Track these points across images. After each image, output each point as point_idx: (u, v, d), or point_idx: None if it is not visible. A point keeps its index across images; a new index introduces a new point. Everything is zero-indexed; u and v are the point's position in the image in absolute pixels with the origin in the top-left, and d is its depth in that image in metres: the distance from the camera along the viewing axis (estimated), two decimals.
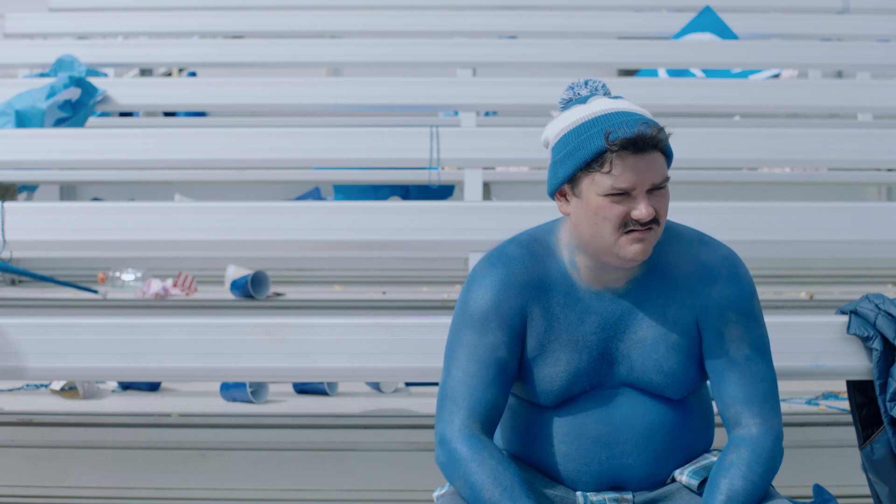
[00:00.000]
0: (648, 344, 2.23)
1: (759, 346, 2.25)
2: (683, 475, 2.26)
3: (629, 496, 2.26)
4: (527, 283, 2.24)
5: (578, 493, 2.26)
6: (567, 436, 2.25)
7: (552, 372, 2.23)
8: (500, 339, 2.22)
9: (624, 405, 2.24)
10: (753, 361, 2.24)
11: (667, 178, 2.16)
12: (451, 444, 2.17)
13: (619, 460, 2.24)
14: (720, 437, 2.30)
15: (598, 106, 2.19)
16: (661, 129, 2.13)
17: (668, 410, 2.25)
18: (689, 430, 2.28)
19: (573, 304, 2.24)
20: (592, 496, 2.25)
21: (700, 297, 2.24)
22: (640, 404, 2.24)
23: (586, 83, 2.25)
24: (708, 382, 2.32)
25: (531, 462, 2.30)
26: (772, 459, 2.20)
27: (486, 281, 2.24)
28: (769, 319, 2.31)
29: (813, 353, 2.66)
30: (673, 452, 2.26)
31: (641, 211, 2.13)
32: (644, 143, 2.11)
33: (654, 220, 2.15)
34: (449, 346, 2.25)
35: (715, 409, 2.34)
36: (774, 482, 2.23)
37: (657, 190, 2.15)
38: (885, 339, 2.63)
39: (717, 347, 2.24)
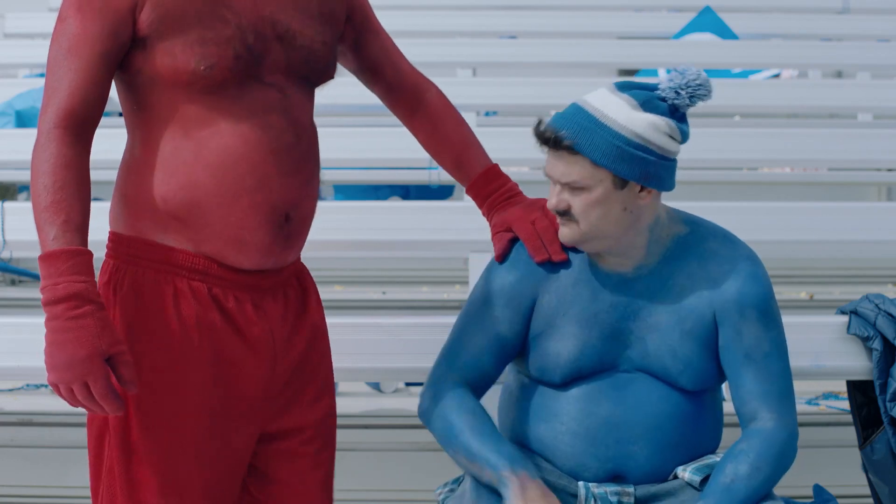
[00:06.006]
0: (663, 329, 2.25)
1: (778, 346, 2.27)
2: (686, 472, 2.26)
3: (631, 489, 2.26)
4: (545, 263, 2.30)
5: (580, 484, 2.26)
6: (579, 414, 2.26)
7: (559, 346, 2.26)
8: (504, 315, 2.29)
9: (638, 390, 2.26)
10: (772, 359, 2.25)
11: (579, 181, 2.17)
12: (436, 388, 2.30)
13: (626, 446, 2.25)
14: (727, 441, 2.30)
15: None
16: (556, 130, 2.16)
17: (680, 402, 2.26)
18: (699, 428, 2.29)
19: (587, 282, 2.28)
20: (594, 488, 2.26)
21: (719, 291, 2.25)
22: (653, 391, 2.26)
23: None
24: (723, 386, 2.33)
25: (540, 442, 2.31)
26: (783, 454, 2.22)
27: (507, 260, 2.33)
28: None
29: (813, 353, 2.66)
30: (679, 446, 2.27)
31: (549, 201, 2.23)
32: (542, 138, 2.19)
33: (567, 213, 2.20)
34: (462, 311, 2.35)
35: (726, 410, 2.35)
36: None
37: (576, 189, 2.19)
38: (885, 339, 2.63)
39: (736, 343, 2.25)
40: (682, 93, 2.20)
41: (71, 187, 1.97)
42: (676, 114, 2.22)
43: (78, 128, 2.01)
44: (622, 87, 2.22)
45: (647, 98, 2.19)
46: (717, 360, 2.28)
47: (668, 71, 2.32)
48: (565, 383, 2.28)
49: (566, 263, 2.29)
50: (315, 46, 2.17)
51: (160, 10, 2.02)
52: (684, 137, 2.24)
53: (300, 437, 2.23)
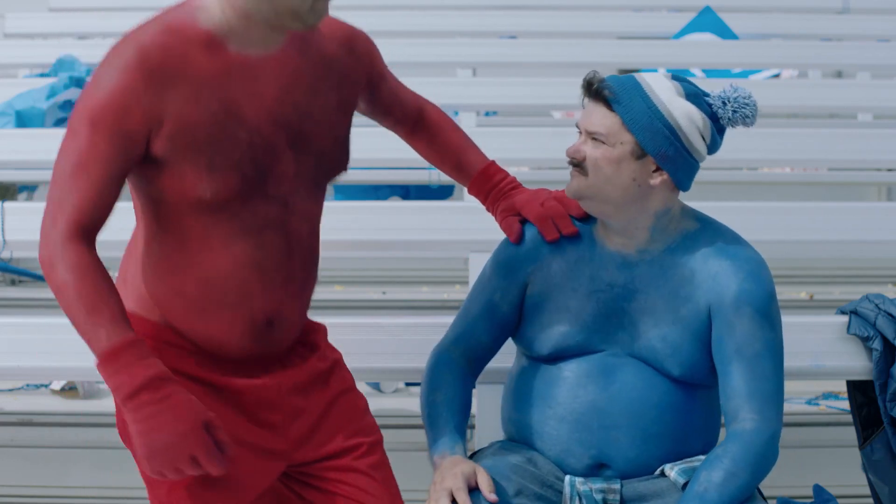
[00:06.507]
0: (657, 313, 2.28)
1: (772, 349, 2.26)
2: (673, 471, 2.27)
3: (617, 486, 2.27)
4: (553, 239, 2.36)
5: (566, 480, 2.28)
6: (565, 398, 2.29)
7: (552, 318, 2.32)
8: (499, 284, 2.39)
9: (624, 376, 2.29)
10: (763, 360, 2.25)
11: (604, 134, 2.23)
12: (433, 353, 2.42)
13: (610, 432, 2.27)
14: None
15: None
16: (602, 80, 2.24)
17: (668, 392, 2.28)
18: (688, 422, 2.29)
19: (589, 259, 2.33)
20: (580, 485, 2.27)
21: (719, 286, 2.27)
22: (640, 378, 2.28)
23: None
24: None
25: (529, 427, 2.34)
26: (762, 456, 2.21)
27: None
28: None
29: (813, 353, 2.66)
30: (664, 437, 2.28)
31: (568, 148, 2.28)
32: (588, 84, 2.26)
33: (579, 164, 2.26)
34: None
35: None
36: (775, 482, 2.23)
37: (597, 141, 2.24)
38: (885, 339, 2.64)
39: (729, 339, 2.26)
40: (728, 105, 2.27)
41: (100, 287, 2.01)
42: (716, 123, 2.29)
43: (89, 234, 2.05)
44: (677, 77, 2.30)
45: (696, 93, 2.28)
46: (710, 354, 2.28)
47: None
48: (552, 358, 2.32)
49: (573, 240, 2.35)
50: (327, 146, 2.17)
51: (173, 136, 2.02)
52: (713, 146, 2.30)
53: (337, 461, 2.28)
